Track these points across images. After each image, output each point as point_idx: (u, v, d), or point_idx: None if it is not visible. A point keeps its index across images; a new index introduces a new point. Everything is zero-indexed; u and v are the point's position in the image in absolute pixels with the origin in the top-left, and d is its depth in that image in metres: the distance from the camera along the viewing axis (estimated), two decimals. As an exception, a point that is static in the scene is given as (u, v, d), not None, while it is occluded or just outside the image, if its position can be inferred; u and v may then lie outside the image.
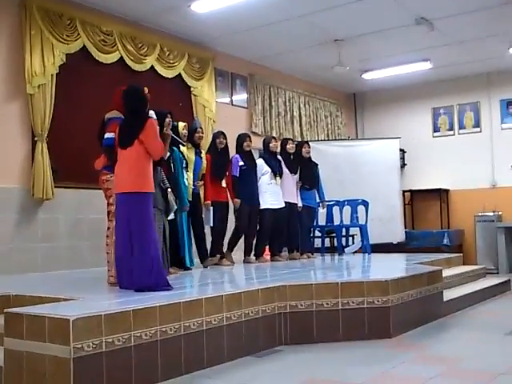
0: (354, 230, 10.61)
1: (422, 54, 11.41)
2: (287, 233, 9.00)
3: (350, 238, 10.78)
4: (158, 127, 6.03)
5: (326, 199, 9.75)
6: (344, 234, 10.49)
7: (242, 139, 8.45)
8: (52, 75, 7.97)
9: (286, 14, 9.16)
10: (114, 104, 5.71)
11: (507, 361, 4.57)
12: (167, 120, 6.50)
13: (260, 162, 8.62)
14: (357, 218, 10.17)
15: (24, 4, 7.82)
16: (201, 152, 7.82)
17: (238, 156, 8.33)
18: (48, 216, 8.02)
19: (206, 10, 8.83)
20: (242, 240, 8.49)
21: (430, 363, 4.53)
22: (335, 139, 13.36)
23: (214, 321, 4.57)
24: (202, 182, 7.74)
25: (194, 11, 8.85)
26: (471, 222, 12.76)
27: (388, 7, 9.03)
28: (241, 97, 11.47)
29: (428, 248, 11.93)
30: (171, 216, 6.61)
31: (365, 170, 11.96)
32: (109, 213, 5.73)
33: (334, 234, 10.53)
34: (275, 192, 8.59)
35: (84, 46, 8.44)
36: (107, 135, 5.55)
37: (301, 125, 12.73)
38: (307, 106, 12.98)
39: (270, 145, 8.76)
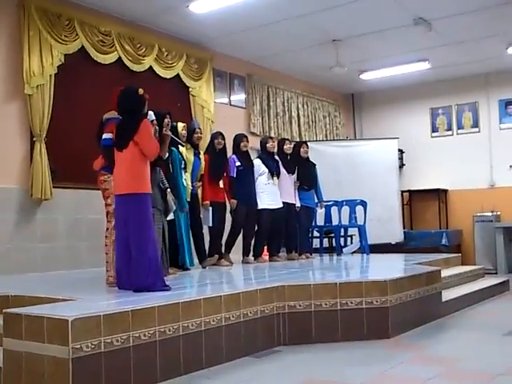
0: (353, 231, 10.60)
1: (421, 54, 11.42)
2: (285, 233, 9.01)
3: (349, 239, 10.78)
4: (156, 127, 6.10)
5: (324, 199, 9.75)
6: (342, 234, 10.50)
7: (238, 139, 8.45)
8: (50, 75, 7.97)
9: (284, 14, 9.16)
10: (112, 104, 5.70)
11: (506, 361, 4.57)
12: (166, 120, 6.52)
13: (257, 162, 8.62)
14: (355, 218, 10.18)
15: (22, 4, 7.82)
16: (199, 153, 7.82)
17: (234, 156, 8.33)
18: (46, 216, 8.02)
19: (204, 10, 8.84)
20: (240, 241, 8.49)
21: (428, 363, 4.53)
22: (333, 139, 13.38)
23: (213, 321, 4.57)
24: (201, 183, 7.75)
25: (192, 11, 8.85)
26: (470, 222, 12.77)
27: (386, 7, 9.04)
28: (239, 97, 11.47)
29: (426, 248, 11.92)
30: (170, 216, 6.61)
31: (363, 171, 11.97)
32: (107, 213, 5.74)
33: (332, 235, 10.53)
34: (273, 192, 8.59)
35: (82, 47, 8.44)
36: (105, 136, 5.55)
37: (299, 125, 12.74)
38: (305, 106, 12.99)
39: (267, 145, 8.76)
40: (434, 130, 13.71)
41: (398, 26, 9.82)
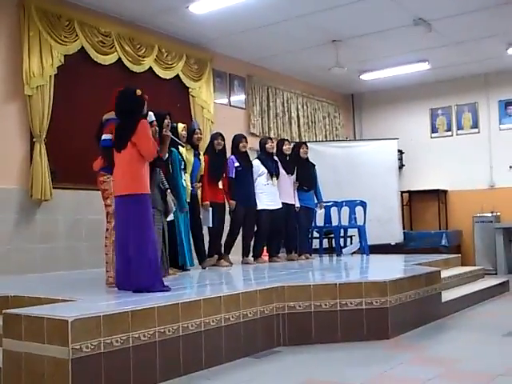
0: (352, 231, 10.60)
1: (420, 54, 11.43)
2: (285, 234, 9.02)
3: (348, 239, 10.77)
4: (156, 128, 6.10)
5: (324, 200, 9.75)
6: (342, 234, 10.49)
7: (237, 140, 8.46)
8: (50, 76, 7.98)
9: (283, 14, 9.17)
10: (112, 105, 5.70)
11: (505, 362, 4.57)
12: (166, 121, 6.53)
13: (256, 162, 8.63)
14: (355, 218, 10.18)
15: (22, 5, 7.82)
16: (199, 154, 7.83)
17: (233, 157, 8.33)
18: (46, 217, 8.02)
19: (204, 11, 8.84)
20: (240, 241, 8.50)
21: (428, 364, 4.53)
22: (333, 140, 13.38)
23: (213, 322, 4.57)
24: (200, 184, 7.75)
25: (192, 12, 8.86)
26: (469, 222, 12.77)
27: (386, 8, 9.04)
28: (239, 98, 11.48)
29: (426, 249, 11.92)
30: (170, 217, 6.62)
31: (363, 171, 11.96)
32: (107, 214, 5.75)
33: (332, 235, 10.53)
34: (272, 193, 8.60)
35: (82, 47, 8.45)
36: (104, 136, 5.55)
37: (299, 126, 12.74)
38: (305, 106, 12.99)
39: (267, 146, 8.77)
40: (434, 130, 13.71)
41: (397, 26, 9.82)
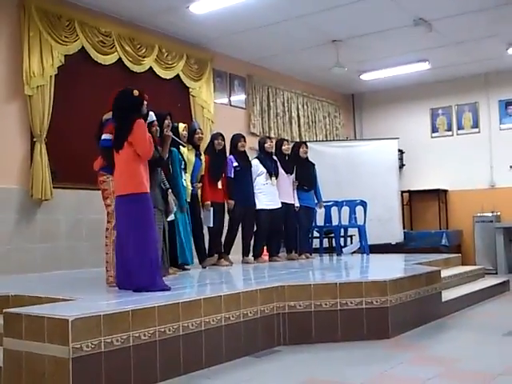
0: (353, 231, 10.61)
1: (421, 54, 11.43)
2: (285, 233, 9.03)
3: (349, 239, 10.78)
4: (157, 128, 6.12)
5: (324, 200, 9.75)
6: (342, 234, 10.50)
7: (236, 140, 8.46)
8: (51, 76, 7.98)
9: (284, 14, 9.17)
10: (111, 105, 5.71)
11: (505, 361, 4.57)
12: (166, 122, 6.55)
13: (255, 162, 8.63)
14: (355, 218, 10.19)
15: (23, 5, 7.83)
16: (200, 154, 7.84)
17: (232, 157, 8.33)
18: (47, 216, 8.02)
19: (204, 11, 8.85)
20: (240, 241, 8.51)
21: (428, 364, 4.53)
22: (333, 140, 13.38)
23: (213, 321, 4.57)
24: (201, 184, 7.76)
25: (192, 12, 8.86)
26: (470, 222, 12.77)
27: (386, 8, 9.05)
28: (239, 97, 11.48)
29: (426, 248, 11.92)
30: (171, 217, 6.62)
31: (363, 171, 11.96)
32: (107, 213, 5.75)
33: (332, 235, 10.53)
34: (271, 192, 8.60)
35: (83, 47, 8.45)
36: (104, 136, 5.56)
37: (299, 125, 12.74)
38: (305, 106, 12.99)
39: (266, 145, 8.77)
40: (434, 130, 13.71)
41: (398, 26, 9.82)
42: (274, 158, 8.83)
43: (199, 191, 7.77)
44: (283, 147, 8.99)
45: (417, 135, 13.66)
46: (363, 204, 10.07)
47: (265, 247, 8.84)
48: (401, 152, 13.45)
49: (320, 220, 10.24)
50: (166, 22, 9.32)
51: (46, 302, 4.65)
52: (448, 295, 6.95)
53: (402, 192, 13.31)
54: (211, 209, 7.78)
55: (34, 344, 3.77)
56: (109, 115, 5.69)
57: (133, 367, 3.95)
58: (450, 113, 13.53)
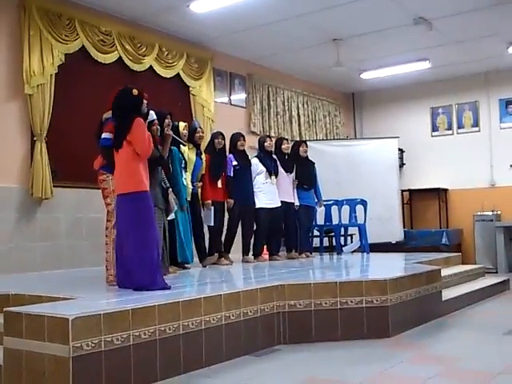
0: (353, 230, 10.62)
1: (421, 53, 11.42)
2: (285, 232, 9.03)
3: (349, 238, 10.80)
4: (158, 127, 6.12)
5: (324, 199, 9.75)
6: (343, 233, 10.51)
7: (235, 139, 8.45)
8: (51, 75, 7.98)
9: (284, 13, 9.17)
10: (110, 104, 5.71)
11: (505, 360, 4.57)
12: (166, 121, 6.56)
13: (255, 161, 8.63)
14: (355, 217, 10.19)
15: (23, 4, 7.83)
16: (201, 153, 7.84)
17: (231, 156, 8.32)
18: (47, 215, 8.03)
19: (204, 9, 8.84)
20: (240, 240, 8.51)
21: (428, 363, 4.54)
22: (334, 139, 13.38)
23: (213, 320, 4.57)
24: (201, 184, 7.76)
25: (192, 11, 8.86)
26: (470, 221, 12.77)
27: (386, 7, 9.04)
28: (239, 96, 11.48)
29: (426, 247, 11.94)
30: (171, 216, 6.63)
31: (363, 170, 11.95)
32: (107, 212, 5.75)
33: (332, 234, 10.54)
34: (270, 191, 8.60)
35: (83, 46, 8.45)
36: (104, 135, 5.56)
37: (299, 124, 12.74)
38: (306, 105, 12.99)
39: (265, 144, 8.77)
40: (435, 129, 13.71)
41: (398, 25, 9.82)
42: (274, 156, 8.83)
43: (199, 190, 7.76)
44: (283, 146, 8.99)
45: (417, 134, 13.66)
46: (363, 203, 10.07)
47: (265, 246, 8.84)
48: (401, 151, 13.45)
49: (320, 219, 10.23)
50: (167, 20, 9.32)
51: (46, 300, 4.66)
52: (448, 294, 6.95)
53: (403, 191, 13.31)
54: (212, 208, 7.78)
55: (35, 343, 3.77)
56: (109, 114, 5.69)
57: (133, 366, 3.95)
58: (450, 112, 13.52)
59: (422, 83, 13.38)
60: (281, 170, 8.82)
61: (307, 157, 9.37)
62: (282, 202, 8.72)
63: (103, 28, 8.74)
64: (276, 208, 8.62)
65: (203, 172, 7.83)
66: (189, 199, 7.40)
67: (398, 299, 5.57)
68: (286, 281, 5.46)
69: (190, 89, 10.18)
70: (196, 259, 7.75)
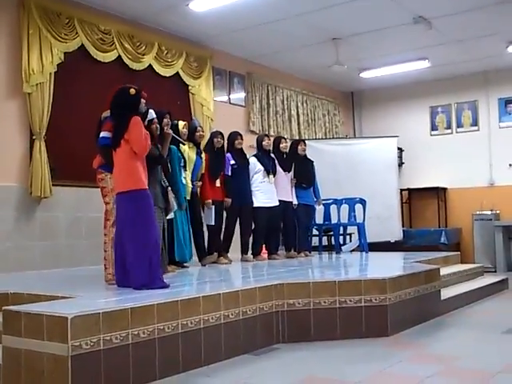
0: (352, 229, 10.62)
1: (420, 52, 11.42)
2: (284, 231, 9.03)
3: (348, 237, 10.80)
4: (157, 126, 6.12)
5: (323, 198, 9.76)
6: (341, 232, 10.51)
7: (233, 137, 8.44)
8: (50, 74, 7.97)
9: (283, 12, 9.16)
10: (109, 103, 5.71)
11: (504, 359, 4.58)
12: (165, 120, 6.56)
13: (253, 160, 8.63)
14: (354, 216, 10.19)
15: (22, 2, 7.82)
16: (201, 152, 7.84)
17: (229, 155, 8.32)
18: (46, 214, 8.02)
19: (203, 8, 8.84)
20: (239, 239, 8.52)
21: (427, 362, 4.54)
22: (333, 138, 13.39)
23: (212, 319, 4.58)
24: (201, 183, 7.76)
25: (192, 10, 8.85)
26: (469, 220, 12.77)
27: (386, 6, 9.04)
28: (239, 95, 11.47)
29: (425, 246, 11.94)
30: (171, 215, 6.63)
31: (362, 169, 11.96)
32: (106, 211, 5.75)
33: (331, 233, 10.54)
34: (268, 190, 8.60)
35: (82, 45, 8.44)
36: (102, 134, 5.55)
37: (298, 123, 12.74)
38: (305, 104, 12.99)
39: (263, 143, 8.77)
40: (434, 128, 13.71)
41: (397, 24, 9.81)
42: (272, 155, 8.83)
43: (198, 189, 7.76)
44: (281, 145, 8.99)
45: (416, 133, 13.66)
46: (362, 202, 10.07)
47: (264, 245, 8.84)
48: (400, 150, 13.44)
49: (319, 218, 10.23)
50: (166, 19, 9.32)
51: (45, 299, 4.66)
52: (447, 293, 6.96)
53: (402, 190, 13.30)
54: (212, 207, 7.79)
55: (33, 342, 3.77)
56: (107, 113, 5.69)
57: (132, 365, 3.95)
58: (449, 111, 13.52)
59: (422, 82, 13.38)
60: (279, 169, 8.82)
61: (306, 155, 9.37)
62: (280, 201, 8.72)
63: (102, 27, 8.73)
64: (274, 207, 8.62)
65: (203, 171, 7.83)
66: (188, 198, 7.40)
67: (396, 298, 5.57)
68: (284, 280, 5.46)
69: (190, 87, 10.17)
70: (195, 258, 7.75)
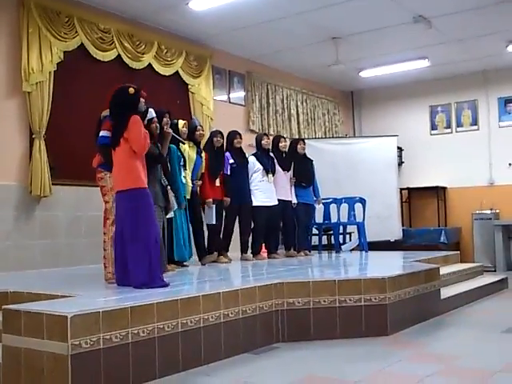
0: (352, 228, 10.62)
1: (420, 52, 11.42)
2: (283, 230, 9.03)
3: (348, 236, 10.79)
4: (157, 125, 6.13)
5: (323, 197, 9.76)
6: (341, 231, 10.50)
7: (232, 136, 8.44)
8: (50, 72, 7.96)
9: (283, 11, 9.16)
10: (109, 102, 5.72)
11: (504, 359, 4.58)
12: (165, 120, 6.56)
13: (252, 159, 8.63)
14: (354, 215, 10.19)
15: (22, 2, 7.81)
16: (201, 151, 7.84)
17: (228, 154, 8.32)
18: (46, 213, 8.02)
19: (203, 7, 8.83)
20: (239, 238, 8.52)
21: (426, 361, 4.54)
22: (333, 137, 13.39)
23: (212, 318, 4.58)
24: (201, 182, 7.76)
25: (191, 9, 8.85)
26: (468, 219, 12.77)
27: (386, 5, 9.04)
28: (238, 94, 11.47)
29: (425, 246, 11.95)
30: (170, 214, 6.63)
31: (362, 168, 11.96)
32: (105, 210, 5.76)
33: (331, 232, 10.54)
34: (267, 189, 8.60)
35: (82, 44, 8.43)
36: (102, 133, 5.56)
37: (298, 122, 12.74)
38: (305, 103, 12.98)
39: (262, 142, 8.78)
40: (433, 127, 13.71)
41: (397, 23, 9.81)
42: (271, 155, 8.83)
43: (198, 188, 7.76)
44: (280, 144, 8.99)
45: (416, 132, 13.66)
46: (362, 201, 10.07)
47: (263, 244, 8.83)
48: (400, 149, 13.44)
49: (319, 217, 10.23)
50: (166, 18, 9.31)
51: (44, 298, 4.66)
52: (447, 292, 6.96)
53: (401, 189, 13.30)
54: (213, 206, 7.80)
55: (33, 340, 3.77)
56: (107, 112, 5.69)
57: (131, 364, 3.95)
58: (449, 110, 13.52)
59: (421, 81, 13.38)
60: (278, 168, 8.82)
61: (305, 154, 9.38)
62: (279, 200, 8.72)
63: (102, 26, 8.73)
64: (273, 206, 8.62)
65: (203, 170, 7.83)
66: (188, 197, 7.40)
67: (396, 297, 5.57)
68: (284, 279, 5.46)
69: (189, 87, 10.16)
70: (195, 257, 7.75)
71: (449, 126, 13.50)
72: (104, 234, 5.72)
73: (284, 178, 8.93)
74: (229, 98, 11.26)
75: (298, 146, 9.25)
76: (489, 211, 12.55)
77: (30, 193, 7.77)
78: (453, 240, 12.77)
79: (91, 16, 8.57)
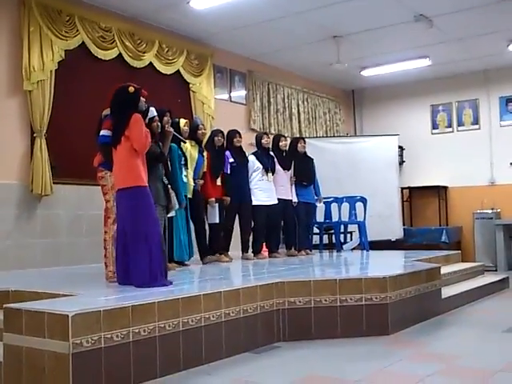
0: (353, 227, 10.61)
1: (421, 51, 11.41)
2: (284, 229, 9.03)
3: (349, 235, 10.78)
4: (158, 124, 6.13)
5: (324, 196, 9.77)
6: (342, 230, 10.49)
7: (231, 135, 8.43)
8: (51, 71, 7.96)
9: (284, 10, 9.16)
10: (109, 101, 5.72)
11: (505, 358, 4.57)
12: (166, 118, 6.56)
13: (252, 158, 8.63)
14: (355, 214, 10.18)
15: (23, 0, 7.81)
16: (203, 150, 7.84)
17: (228, 153, 8.31)
18: (47, 212, 8.02)
19: (204, 6, 8.84)
20: (239, 238, 8.52)
21: (427, 360, 4.54)
22: (334, 136, 13.39)
23: (213, 317, 4.58)
24: (202, 181, 7.77)
25: (192, 8, 8.85)
26: (470, 219, 12.77)
27: (387, 4, 9.04)
28: (239, 93, 11.47)
29: (426, 245, 11.96)
30: (172, 213, 6.62)
31: (363, 167, 11.95)
32: (106, 209, 5.76)
33: (332, 231, 10.53)
34: (267, 188, 8.60)
35: (83, 43, 8.43)
36: (102, 132, 5.56)
37: (299, 121, 12.73)
38: (306, 102, 12.98)
39: (262, 141, 8.77)
40: (435, 126, 13.70)
41: (398, 22, 9.80)
42: (271, 154, 8.83)
43: (199, 187, 7.76)
44: (280, 143, 8.99)
45: (417, 132, 13.65)
46: (363, 200, 10.06)
47: (264, 243, 8.83)
48: (401, 148, 13.43)
49: (320, 216, 10.23)
50: (167, 17, 9.31)
51: (45, 297, 4.66)
52: (448, 292, 6.96)
53: (402, 188, 13.29)
54: (216, 205, 7.81)
55: (34, 339, 3.77)
56: (108, 111, 5.69)
57: (132, 363, 3.95)
58: (450, 109, 13.52)
59: (422, 81, 13.37)
60: (278, 167, 8.82)
61: (305, 153, 9.39)
62: (279, 199, 8.71)
63: (103, 24, 8.72)
64: (273, 205, 8.62)
65: (205, 169, 7.83)
66: (190, 196, 7.40)
67: (397, 297, 5.57)
68: (285, 278, 5.46)
69: (190, 85, 10.16)
70: (196, 256, 7.76)
71: (450, 125, 13.49)
72: (105, 232, 5.72)
73: (284, 177, 8.92)
74: (230, 96, 11.26)
75: (299, 145, 9.25)
76: (490, 211, 12.54)
77: (31, 191, 7.78)
78: (454, 239, 12.76)
79: (92, 15, 8.57)
